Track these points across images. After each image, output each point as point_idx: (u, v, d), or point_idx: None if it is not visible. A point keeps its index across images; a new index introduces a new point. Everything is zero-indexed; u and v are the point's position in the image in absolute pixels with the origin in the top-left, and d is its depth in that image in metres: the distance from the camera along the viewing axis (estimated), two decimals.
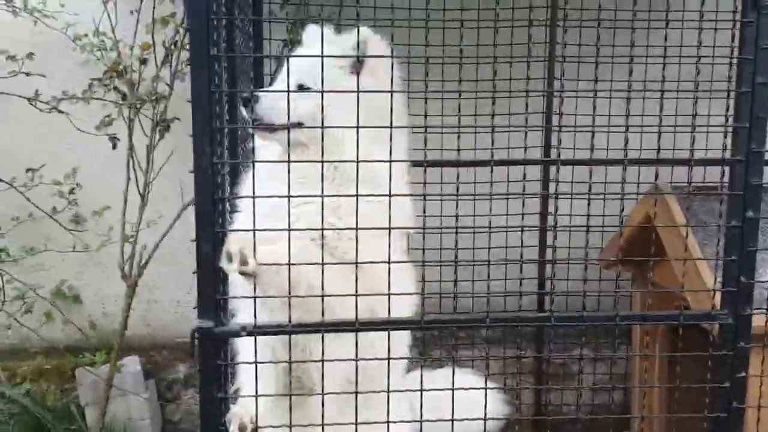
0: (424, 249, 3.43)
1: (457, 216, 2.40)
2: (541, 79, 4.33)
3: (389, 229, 2.22)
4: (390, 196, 2.22)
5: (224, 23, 2.22)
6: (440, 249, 3.69)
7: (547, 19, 4.25)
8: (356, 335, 2.28)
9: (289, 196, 2.21)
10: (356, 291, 2.24)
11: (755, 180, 2.26)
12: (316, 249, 2.37)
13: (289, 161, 2.21)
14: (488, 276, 2.66)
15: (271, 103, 2.51)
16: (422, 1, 3.99)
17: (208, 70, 2.15)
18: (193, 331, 2.26)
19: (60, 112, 3.99)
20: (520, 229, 3.79)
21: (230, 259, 2.23)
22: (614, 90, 2.67)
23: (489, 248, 2.97)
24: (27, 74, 3.98)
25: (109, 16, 4.08)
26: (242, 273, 2.26)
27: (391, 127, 2.22)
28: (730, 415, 2.34)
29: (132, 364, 4.38)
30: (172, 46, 4.09)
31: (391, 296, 2.24)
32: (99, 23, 4.09)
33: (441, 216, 3.07)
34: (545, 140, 4.42)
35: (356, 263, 2.24)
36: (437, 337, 4.60)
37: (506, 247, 4.05)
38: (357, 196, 2.21)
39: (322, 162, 2.31)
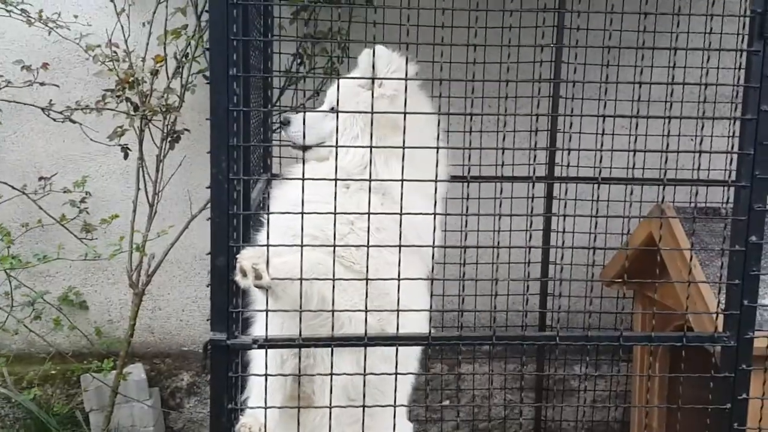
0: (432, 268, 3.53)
1: (463, 231, 2.44)
2: (547, 97, 4.39)
3: (399, 246, 2.26)
4: (401, 213, 2.26)
5: (241, 43, 2.25)
6: (444, 263, 3.77)
7: (553, 42, 4.30)
8: (365, 350, 2.33)
9: (302, 213, 2.26)
10: (366, 306, 2.28)
11: (759, 206, 2.31)
12: (328, 260, 2.41)
13: (303, 178, 2.27)
14: (493, 292, 2.69)
15: (297, 127, 2.82)
16: (431, 18, 4.07)
17: (227, 90, 2.20)
18: (206, 344, 2.31)
19: (73, 122, 4.04)
20: (524, 247, 3.86)
21: (244, 274, 2.28)
22: (618, 114, 2.70)
23: (493, 263, 3.01)
24: (41, 84, 4.02)
25: (122, 27, 4.13)
26: (257, 287, 2.31)
27: (404, 147, 2.27)
28: None
29: (136, 371, 4.42)
30: (183, 59, 4.15)
31: (405, 314, 2.30)
32: (111, 34, 4.14)
33: (445, 231, 3.14)
34: (550, 158, 4.47)
35: (366, 279, 2.29)
36: (439, 351, 4.65)
37: (509, 263, 4.10)
38: (369, 213, 2.26)
39: (336, 180, 2.36)
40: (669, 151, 2.62)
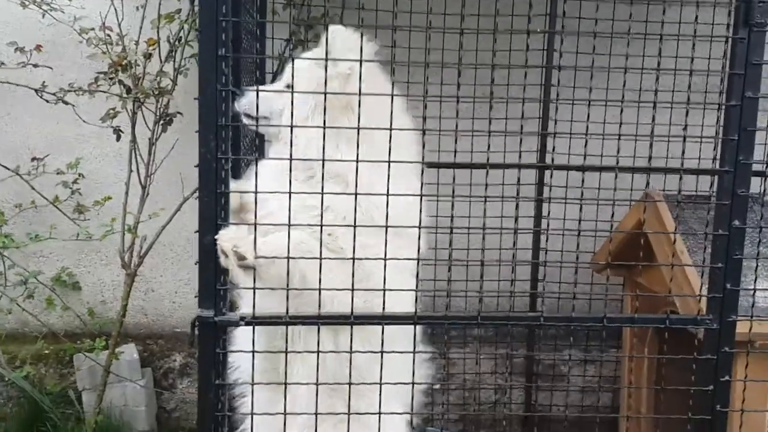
0: (419, 248, 3.55)
1: (452, 217, 2.47)
2: (538, 85, 4.41)
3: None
4: (355, 193, 2.28)
5: (231, 24, 2.27)
6: (435, 249, 3.79)
7: (545, 29, 4.32)
8: (351, 329, 2.36)
9: (290, 193, 2.28)
10: (352, 285, 2.32)
11: (742, 190, 2.34)
12: (311, 240, 2.43)
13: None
14: (481, 276, 2.73)
15: (248, 99, 2.73)
16: (424, 5, 4.08)
17: (216, 70, 2.23)
18: (194, 320, 2.34)
19: (66, 103, 4.06)
20: (513, 231, 3.88)
21: (226, 255, 2.31)
22: (609, 100, 2.73)
23: (483, 249, 3.04)
24: (35, 66, 4.03)
25: (115, 10, 4.15)
26: (242, 267, 2.34)
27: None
28: (713, 418, 2.42)
29: (129, 351, 4.44)
30: (177, 42, 4.16)
31: (391, 296, 2.33)
32: (105, 18, 4.15)
33: (437, 216, 3.17)
34: (540, 145, 4.49)
35: (353, 258, 2.33)
36: (429, 335, 4.67)
37: (500, 249, 4.12)
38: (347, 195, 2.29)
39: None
40: (657, 139, 2.65)
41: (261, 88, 2.61)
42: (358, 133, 2.27)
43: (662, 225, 3.58)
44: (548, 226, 4.29)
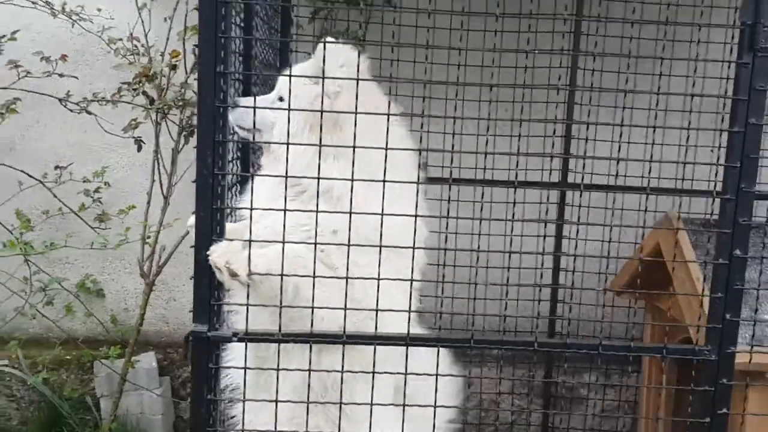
0: (438, 265, 3.53)
1: (475, 235, 2.45)
2: (562, 103, 4.37)
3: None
4: (349, 212, 2.28)
5: (229, 42, 2.29)
6: (454, 266, 3.77)
7: (570, 48, 4.28)
8: (343, 347, 2.35)
9: (286, 209, 2.29)
10: (345, 305, 2.32)
11: (744, 219, 2.28)
12: (307, 254, 2.42)
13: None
14: (503, 296, 2.70)
15: (240, 112, 2.68)
16: (446, 21, 4.08)
17: (214, 86, 2.25)
18: (187, 335, 2.36)
19: (89, 113, 4.13)
20: (536, 252, 3.84)
21: (219, 270, 2.32)
22: (633, 124, 2.69)
23: (505, 267, 3.01)
24: (60, 75, 4.12)
25: (142, 22, 4.21)
26: (235, 281, 2.35)
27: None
28: None
29: (147, 360, 4.49)
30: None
31: (382, 318, 2.33)
32: (133, 28, 4.22)
33: (457, 233, 3.15)
34: (564, 164, 4.45)
35: (346, 278, 2.33)
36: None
37: (521, 268, 4.09)
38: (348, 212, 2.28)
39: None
40: (680, 160, 2.61)
41: (250, 101, 2.66)
42: (354, 152, 2.28)
43: (679, 250, 3.50)
44: (569, 248, 4.28)
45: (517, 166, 2.66)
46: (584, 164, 2.95)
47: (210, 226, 2.30)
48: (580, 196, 4.27)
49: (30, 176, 4.34)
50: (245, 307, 2.35)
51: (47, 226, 4.63)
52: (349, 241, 2.29)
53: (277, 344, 2.37)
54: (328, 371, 2.41)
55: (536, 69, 3.80)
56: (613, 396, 4.60)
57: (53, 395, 4.37)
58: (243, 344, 2.43)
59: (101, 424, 4.30)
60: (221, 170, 2.29)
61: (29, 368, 4.48)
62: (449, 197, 2.45)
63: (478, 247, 2.55)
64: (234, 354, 2.59)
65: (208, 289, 2.33)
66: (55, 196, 4.33)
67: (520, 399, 4.68)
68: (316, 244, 2.37)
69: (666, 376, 4.02)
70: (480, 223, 2.70)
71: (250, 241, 2.31)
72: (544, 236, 3.17)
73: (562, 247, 4.43)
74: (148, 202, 4.22)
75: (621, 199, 4.11)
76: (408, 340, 2.36)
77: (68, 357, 4.62)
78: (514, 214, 2.62)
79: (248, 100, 2.73)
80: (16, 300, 4.46)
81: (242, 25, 2.97)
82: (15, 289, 4.43)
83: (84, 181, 4.42)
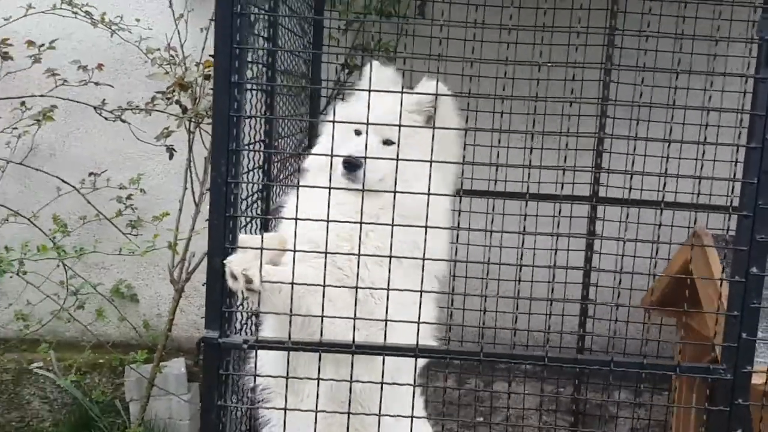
0: (467, 278, 3.52)
1: (517, 250, 2.46)
2: (593, 116, 4.33)
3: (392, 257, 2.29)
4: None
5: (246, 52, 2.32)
6: (483, 279, 3.74)
7: (602, 62, 4.25)
8: (352, 357, 2.36)
9: (296, 220, 2.32)
10: (354, 314, 2.33)
11: (761, 236, 2.24)
12: (318, 278, 2.43)
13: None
14: (529, 310, 2.68)
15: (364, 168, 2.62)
16: (487, 34, 4.07)
17: (229, 96, 2.28)
18: (199, 341, 2.39)
19: (123, 121, 4.21)
20: (564, 267, 3.80)
21: (234, 278, 2.34)
22: (649, 138, 2.65)
23: (532, 281, 3.00)
24: (96, 84, 4.21)
25: (179, 33, 4.28)
26: (248, 290, 2.37)
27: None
28: None
29: (177, 365, 4.53)
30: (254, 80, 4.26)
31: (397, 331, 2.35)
32: (171, 39, 4.29)
33: (485, 246, 3.13)
34: (594, 178, 4.40)
35: (356, 287, 2.35)
36: (476, 367, 4.62)
37: (549, 282, 4.05)
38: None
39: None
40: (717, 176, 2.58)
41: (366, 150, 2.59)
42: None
43: (708, 266, 3.44)
44: (599, 262, 4.23)
45: (539, 178, 2.66)
46: (599, 177, 2.90)
47: (223, 233, 2.33)
48: (604, 210, 4.24)
49: (65, 182, 4.44)
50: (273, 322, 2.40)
51: (84, 231, 4.73)
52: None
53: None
54: (343, 380, 2.42)
55: (568, 82, 3.78)
56: (644, 415, 4.52)
57: (84, 398, 4.45)
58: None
59: (129, 427, 4.36)
60: (234, 179, 2.32)
61: (63, 371, 4.56)
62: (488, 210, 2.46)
63: (499, 259, 2.54)
64: (263, 359, 2.63)
65: (219, 295, 2.36)
66: (89, 202, 4.43)
67: (548, 415, 4.62)
68: (324, 255, 2.38)
69: (695, 395, 3.94)
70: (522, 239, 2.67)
71: (261, 249, 2.33)
72: (569, 250, 3.14)
73: (593, 261, 4.38)
74: (180, 210, 4.28)
75: (654, 214, 4.08)
76: (417, 352, 2.35)
77: (101, 361, 4.70)
78: (557, 226, 2.62)
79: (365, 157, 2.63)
80: (52, 303, 4.55)
81: (266, 36, 3.01)
82: (50, 292, 4.52)
83: (120, 188, 4.51)
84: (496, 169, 2.49)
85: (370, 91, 2.36)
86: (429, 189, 2.30)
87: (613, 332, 4.09)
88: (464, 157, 2.79)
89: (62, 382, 4.37)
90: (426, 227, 2.32)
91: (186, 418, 4.52)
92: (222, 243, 2.33)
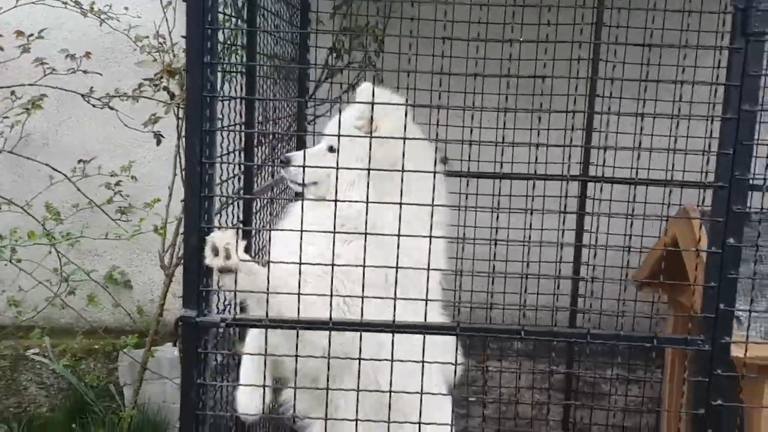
0: (458, 258, 3.52)
1: (493, 228, 2.46)
2: (583, 95, 4.31)
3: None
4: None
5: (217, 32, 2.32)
6: (473, 259, 3.75)
7: (591, 39, 4.23)
8: (330, 334, 2.36)
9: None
10: (331, 291, 2.34)
11: (738, 207, 2.23)
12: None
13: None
14: (522, 288, 2.69)
15: (293, 171, 2.87)
16: (465, 14, 4.06)
17: (202, 77, 2.28)
18: (177, 320, 2.40)
19: (111, 108, 4.22)
20: (556, 244, 3.81)
21: (215, 253, 2.35)
22: (622, 113, 2.65)
23: (524, 261, 2.99)
24: (84, 72, 4.21)
25: (167, 20, 4.28)
26: (225, 268, 2.38)
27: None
28: None
29: (169, 349, 4.55)
30: (223, 52, 4.26)
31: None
32: (159, 26, 4.29)
33: (475, 227, 3.14)
34: (584, 157, 4.40)
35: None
36: (469, 347, 4.61)
37: (540, 262, 4.05)
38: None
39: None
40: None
41: (301, 157, 2.81)
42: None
43: (694, 242, 3.43)
44: (590, 240, 4.22)
45: (536, 160, 2.66)
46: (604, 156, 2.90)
47: (198, 213, 2.33)
48: (601, 190, 4.22)
49: (56, 170, 4.45)
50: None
51: (77, 219, 4.75)
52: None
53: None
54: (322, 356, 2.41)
55: (557, 62, 3.78)
56: (637, 392, 4.53)
57: (79, 383, 4.48)
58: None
59: (124, 411, 4.38)
60: (209, 159, 2.32)
61: (57, 356, 4.59)
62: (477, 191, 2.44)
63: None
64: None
65: (197, 275, 2.35)
66: (79, 190, 4.44)
67: (541, 393, 4.63)
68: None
69: (688, 370, 3.94)
70: (496, 216, 2.67)
71: (238, 228, 2.34)
72: (561, 230, 3.15)
73: (584, 240, 4.37)
74: (170, 195, 4.29)
75: (644, 191, 4.07)
76: (394, 327, 2.36)
77: (96, 346, 4.73)
78: (532, 207, 2.63)
79: (299, 157, 2.87)
80: (46, 291, 4.58)
81: (245, 18, 3.02)
82: (44, 279, 4.54)
83: (111, 176, 4.52)
84: (502, 150, 2.49)
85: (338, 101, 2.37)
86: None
87: (604, 310, 4.12)
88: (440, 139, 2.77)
89: (56, 366, 4.40)
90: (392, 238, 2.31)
91: (179, 401, 4.52)
92: (198, 223, 2.34)
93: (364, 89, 2.76)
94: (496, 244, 2.48)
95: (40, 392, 4.77)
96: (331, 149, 2.88)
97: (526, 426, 4.62)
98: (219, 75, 3.26)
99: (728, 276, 2.27)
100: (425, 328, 2.40)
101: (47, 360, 4.50)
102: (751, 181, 2.24)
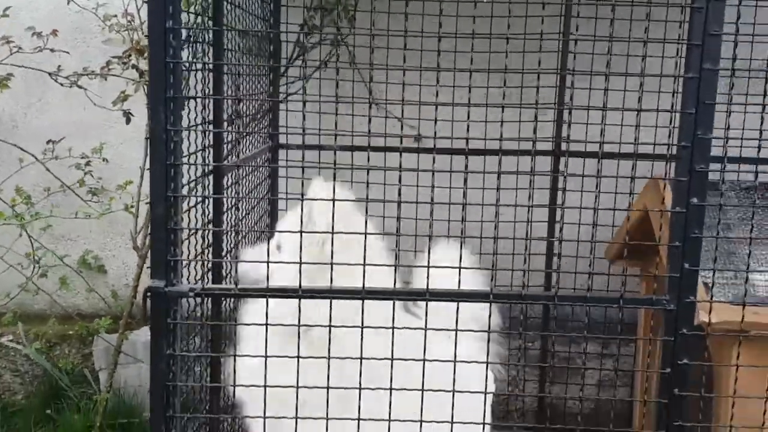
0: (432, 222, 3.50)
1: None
2: (553, 71, 4.32)
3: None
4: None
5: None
6: (448, 221, 3.74)
7: (561, 13, 4.24)
8: (299, 302, 2.36)
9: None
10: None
11: (701, 166, 2.25)
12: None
13: None
14: (494, 262, 2.69)
15: (245, 268, 2.82)
16: None
17: (164, 43, 2.26)
18: (146, 291, 2.38)
19: (79, 87, 4.17)
20: (527, 221, 3.80)
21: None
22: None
23: (495, 238, 2.97)
24: (51, 50, 4.17)
25: None
26: None
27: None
28: (671, 402, 2.34)
29: (145, 333, 4.53)
30: (193, 29, 4.23)
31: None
32: (128, 4, 4.25)
33: (450, 204, 3.12)
34: (556, 131, 4.41)
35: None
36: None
37: (514, 239, 4.05)
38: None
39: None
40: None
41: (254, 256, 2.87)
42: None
43: (665, 211, 3.46)
44: (562, 216, 4.23)
45: (519, 134, 2.65)
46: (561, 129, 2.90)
47: (165, 182, 2.32)
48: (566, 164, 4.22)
49: (25, 151, 4.41)
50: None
51: (49, 203, 4.70)
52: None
53: None
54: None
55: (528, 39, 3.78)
56: (611, 366, 4.55)
57: (53, 368, 4.46)
58: None
59: (99, 396, 4.36)
60: (174, 126, 2.30)
61: (31, 343, 4.57)
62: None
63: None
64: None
65: (164, 244, 2.34)
66: (48, 170, 4.39)
67: (515, 370, 4.65)
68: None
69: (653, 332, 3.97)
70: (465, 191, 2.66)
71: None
72: (532, 207, 3.13)
73: (556, 217, 4.39)
74: (142, 176, 4.26)
75: (616, 165, 4.09)
76: (364, 294, 2.35)
77: (70, 332, 4.70)
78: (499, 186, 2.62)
79: (250, 255, 2.97)
80: (17, 277, 4.54)
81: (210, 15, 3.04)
82: (16, 264, 4.51)
83: (82, 158, 4.48)
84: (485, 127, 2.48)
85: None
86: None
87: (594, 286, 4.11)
88: None
89: (28, 351, 4.37)
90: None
91: None
92: (164, 191, 2.32)
93: (313, 185, 2.79)
94: (464, 221, 2.48)
95: (14, 380, 4.74)
96: (278, 248, 2.89)
97: (503, 402, 4.64)
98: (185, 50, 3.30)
99: (692, 235, 2.29)
100: (394, 294, 2.41)
101: (20, 346, 4.46)
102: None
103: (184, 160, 2.42)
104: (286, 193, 4.23)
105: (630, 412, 4.38)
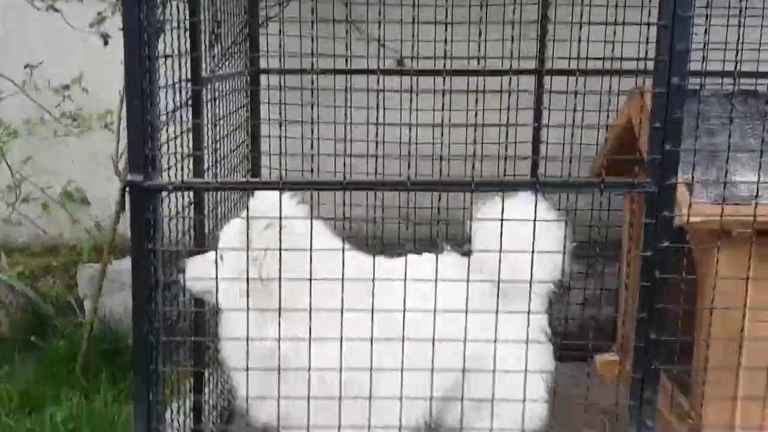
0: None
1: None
2: None
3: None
4: None
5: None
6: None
7: None
8: (280, 193, 2.34)
9: None
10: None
11: (676, 78, 2.24)
12: None
13: None
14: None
15: (189, 274, 2.91)
16: None
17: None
18: (124, 186, 2.36)
19: (56, 10, 4.09)
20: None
21: None
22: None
23: (473, 155, 2.93)
24: None
25: None
26: None
27: None
28: (653, 285, 2.34)
29: (129, 262, 4.50)
30: None
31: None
32: None
33: (433, 126, 3.08)
34: (540, 50, 4.37)
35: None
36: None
37: (500, 143, 3.96)
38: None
39: None
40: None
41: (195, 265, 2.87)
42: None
43: (647, 118, 3.45)
44: (547, 135, 4.20)
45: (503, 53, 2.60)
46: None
47: (140, 74, 2.27)
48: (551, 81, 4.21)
49: (3, 76, 4.34)
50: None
51: (32, 137, 4.66)
52: None
53: None
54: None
55: None
56: (595, 285, 4.56)
57: (37, 297, 4.45)
58: None
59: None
60: (148, 20, 2.26)
61: (18, 276, 4.56)
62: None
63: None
64: None
65: (141, 137, 2.31)
66: (27, 95, 4.34)
67: None
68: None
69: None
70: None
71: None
72: (516, 125, 3.12)
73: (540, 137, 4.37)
74: (121, 100, 4.19)
75: (599, 82, 4.07)
76: (345, 185, 2.32)
77: (54, 264, 4.69)
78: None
79: (193, 265, 2.91)
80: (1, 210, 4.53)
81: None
82: None
83: (64, 87, 4.42)
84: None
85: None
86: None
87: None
88: None
89: (11, 278, 4.35)
90: None
91: None
92: (140, 85, 2.28)
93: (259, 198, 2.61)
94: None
95: None
96: (221, 258, 2.80)
97: None
98: None
99: (674, 116, 2.27)
100: (374, 184, 2.40)
101: (4, 276, 4.45)
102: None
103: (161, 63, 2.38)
104: (269, 119, 4.18)
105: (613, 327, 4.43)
